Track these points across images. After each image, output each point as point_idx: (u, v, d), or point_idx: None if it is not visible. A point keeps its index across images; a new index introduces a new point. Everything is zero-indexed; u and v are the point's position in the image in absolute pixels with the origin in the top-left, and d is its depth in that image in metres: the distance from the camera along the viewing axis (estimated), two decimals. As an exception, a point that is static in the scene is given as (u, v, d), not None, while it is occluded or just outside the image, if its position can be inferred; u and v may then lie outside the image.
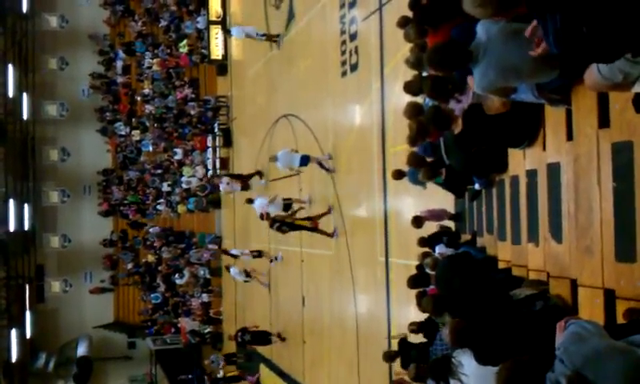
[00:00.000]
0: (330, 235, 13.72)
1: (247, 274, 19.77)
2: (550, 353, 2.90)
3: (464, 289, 5.30)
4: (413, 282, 6.85)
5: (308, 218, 14.23)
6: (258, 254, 19.32)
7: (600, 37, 2.51)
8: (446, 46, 4.19)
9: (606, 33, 2.50)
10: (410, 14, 6.58)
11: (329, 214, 13.82)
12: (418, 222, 7.97)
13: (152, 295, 29.07)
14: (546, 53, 3.02)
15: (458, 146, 5.37)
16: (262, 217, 15.37)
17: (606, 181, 3.95)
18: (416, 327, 7.15)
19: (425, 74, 6.20)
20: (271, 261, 18.48)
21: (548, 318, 4.00)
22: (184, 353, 26.90)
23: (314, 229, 14.01)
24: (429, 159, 6.37)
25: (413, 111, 6.75)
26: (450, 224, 8.20)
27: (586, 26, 2.50)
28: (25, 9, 30.56)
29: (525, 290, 4.80)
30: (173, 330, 27.81)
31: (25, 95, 29.98)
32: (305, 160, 14.04)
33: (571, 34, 2.57)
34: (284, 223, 14.24)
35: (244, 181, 19.36)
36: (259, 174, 19.24)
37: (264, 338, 18.14)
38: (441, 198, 7.95)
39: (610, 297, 3.96)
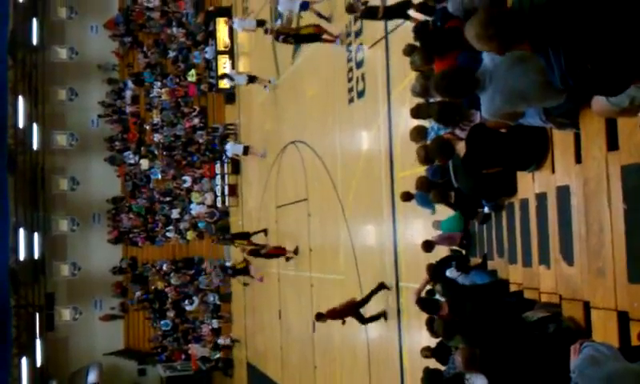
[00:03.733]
0: (333, 40, 13.90)
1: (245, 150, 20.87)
2: (565, 376, 2.91)
3: (475, 313, 5.31)
4: (422, 305, 6.84)
5: (314, 26, 14.43)
6: (252, 80, 19.92)
7: (605, 72, 2.55)
8: (453, 72, 4.25)
9: (610, 68, 2.53)
10: (415, 41, 6.68)
11: None
12: (428, 246, 7.95)
13: (162, 322, 29.04)
14: None
15: (465, 168, 5.40)
16: (266, 31, 15.99)
17: (617, 202, 3.97)
18: (429, 352, 7.13)
19: (431, 100, 6.27)
20: (265, 86, 19.20)
21: (561, 340, 4.01)
22: (195, 379, 26.79)
23: (319, 35, 14.14)
24: (438, 181, 6.41)
25: (418, 135, 6.81)
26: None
27: (590, 62, 2.54)
28: (35, 41, 30.98)
29: (537, 312, 4.80)
30: (183, 356, 27.73)
31: (35, 126, 30.28)
32: (305, 5, 14.63)
33: (576, 71, 2.61)
34: (289, 35, 14.53)
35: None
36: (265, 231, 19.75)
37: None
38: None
39: (623, 319, 3.96)
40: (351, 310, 12.02)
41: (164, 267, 29.11)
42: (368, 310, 12.01)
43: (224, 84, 23.08)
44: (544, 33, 2.65)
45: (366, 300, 11.89)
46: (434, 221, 7.92)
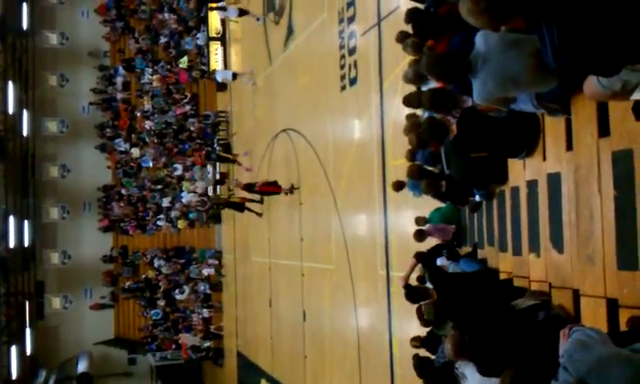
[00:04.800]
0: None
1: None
2: (554, 360, 2.89)
3: (465, 301, 5.29)
4: (409, 293, 6.80)
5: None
6: (244, 13, 20.27)
7: (598, 50, 2.51)
8: (445, 56, 4.21)
9: (604, 46, 2.50)
10: (408, 28, 6.62)
11: None
12: (420, 235, 7.86)
13: (152, 311, 28.99)
14: None
15: (455, 150, 5.36)
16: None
17: (607, 189, 3.95)
18: (418, 342, 7.10)
19: (424, 88, 6.23)
20: (257, 19, 19.42)
21: (550, 328, 3.99)
22: (185, 368, 26.79)
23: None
24: (429, 169, 6.37)
25: (412, 126, 6.77)
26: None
27: (583, 39, 2.50)
28: (25, 26, 30.70)
29: (527, 300, 4.79)
30: (173, 345, 27.71)
31: (25, 112, 30.05)
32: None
33: (569, 48, 2.57)
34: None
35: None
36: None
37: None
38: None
39: (612, 306, 3.95)
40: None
41: (155, 263, 29.01)
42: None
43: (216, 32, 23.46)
44: (538, 5, 2.61)
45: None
46: (417, 216, 7.81)
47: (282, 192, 16.91)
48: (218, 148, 23.93)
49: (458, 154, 5.36)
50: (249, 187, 18.07)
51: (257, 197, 18.86)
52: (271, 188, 17.23)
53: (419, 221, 7.74)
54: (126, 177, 32.02)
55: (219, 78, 22.53)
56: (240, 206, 20.09)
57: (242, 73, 20.79)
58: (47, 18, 33.30)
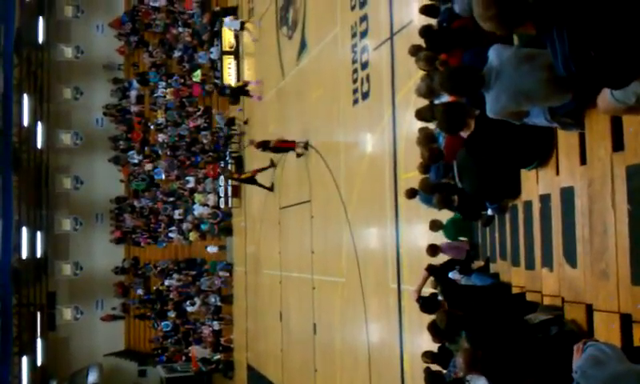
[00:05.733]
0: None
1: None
2: (567, 378, 2.87)
3: (477, 314, 5.26)
4: (423, 304, 6.79)
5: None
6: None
7: (609, 61, 2.52)
8: (458, 70, 4.22)
9: (614, 57, 2.50)
10: (420, 42, 6.65)
11: None
12: (433, 250, 7.83)
13: (163, 323, 29.02)
14: None
15: (468, 150, 5.31)
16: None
17: (621, 204, 3.93)
18: (430, 359, 7.06)
19: (436, 101, 6.23)
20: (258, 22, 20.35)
21: (564, 343, 3.97)
22: (195, 381, 26.75)
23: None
24: (442, 181, 6.35)
25: (424, 139, 6.77)
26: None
27: (594, 49, 2.51)
28: (40, 40, 31.06)
29: (539, 315, 4.76)
30: (184, 357, 27.70)
31: (39, 124, 30.33)
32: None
33: (580, 56, 2.58)
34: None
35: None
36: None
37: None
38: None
39: (626, 321, 3.92)
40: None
41: (166, 282, 29.06)
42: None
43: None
44: (549, 11, 2.62)
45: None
46: (432, 220, 7.74)
47: (296, 148, 16.94)
48: (230, 160, 24.03)
49: (471, 155, 5.31)
50: (263, 144, 18.06)
51: (267, 165, 19.47)
52: (286, 144, 17.36)
53: (434, 225, 7.68)
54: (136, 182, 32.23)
55: (227, 26, 23.30)
56: (251, 180, 20.40)
57: (249, 24, 21.19)
58: (62, 31, 33.67)
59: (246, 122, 22.89)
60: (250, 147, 21.32)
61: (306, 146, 16.57)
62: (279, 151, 17.99)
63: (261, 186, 20.10)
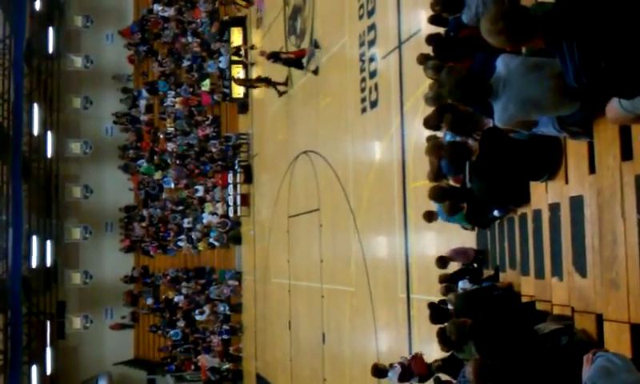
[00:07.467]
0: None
1: None
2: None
3: (487, 320, 5.24)
4: (433, 311, 6.77)
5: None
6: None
7: (619, 71, 2.52)
8: (466, 80, 4.23)
9: (624, 68, 2.50)
10: (428, 51, 6.67)
11: None
12: (442, 262, 7.79)
13: (172, 331, 29.05)
14: None
15: (476, 173, 5.34)
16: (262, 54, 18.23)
17: (631, 213, 3.91)
18: (440, 365, 7.05)
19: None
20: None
21: (573, 353, 3.94)
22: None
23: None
24: (451, 186, 6.34)
25: (433, 148, 6.76)
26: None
27: (604, 60, 2.51)
28: (51, 49, 31.32)
29: (549, 324, 4.74)
30: (193, 366, 27.69)
31: (49, 133, 30.55)
32: None
33: (590, 68, 2.58)
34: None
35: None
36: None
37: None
38: (463, 233, 7.89)
39: (636, 331, 3.89)
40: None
41: (175, 299, 29.11)
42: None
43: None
44: (559, 25, 2.62)
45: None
46: (425, 211, 7.65)
47: (306, 54, 16.79)
48: (239, 169, 24.08)
49: (480, 177, 5.35)
50: (274, 56, 17.88)
51: (281, 80, 19.22)
52: (297, 53, 17.24)
53: (429, 216, 7.62)
54: (148, 198, 32.31)
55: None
56: (266, 80, 20.05)
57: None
58: (72, 41, 33.96)
59: (253, 48, 22.92)
60: (254, 156, 21.23)
61: (316, 44, 16.31)
62: (290, 64, 17.62)
63: (275, 84, 19.39)
